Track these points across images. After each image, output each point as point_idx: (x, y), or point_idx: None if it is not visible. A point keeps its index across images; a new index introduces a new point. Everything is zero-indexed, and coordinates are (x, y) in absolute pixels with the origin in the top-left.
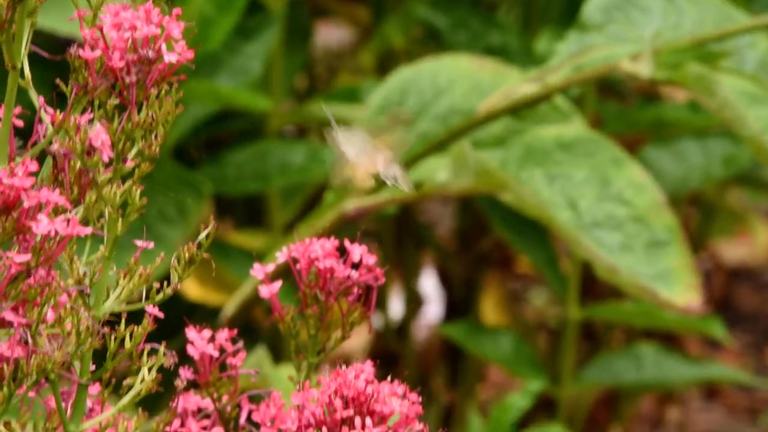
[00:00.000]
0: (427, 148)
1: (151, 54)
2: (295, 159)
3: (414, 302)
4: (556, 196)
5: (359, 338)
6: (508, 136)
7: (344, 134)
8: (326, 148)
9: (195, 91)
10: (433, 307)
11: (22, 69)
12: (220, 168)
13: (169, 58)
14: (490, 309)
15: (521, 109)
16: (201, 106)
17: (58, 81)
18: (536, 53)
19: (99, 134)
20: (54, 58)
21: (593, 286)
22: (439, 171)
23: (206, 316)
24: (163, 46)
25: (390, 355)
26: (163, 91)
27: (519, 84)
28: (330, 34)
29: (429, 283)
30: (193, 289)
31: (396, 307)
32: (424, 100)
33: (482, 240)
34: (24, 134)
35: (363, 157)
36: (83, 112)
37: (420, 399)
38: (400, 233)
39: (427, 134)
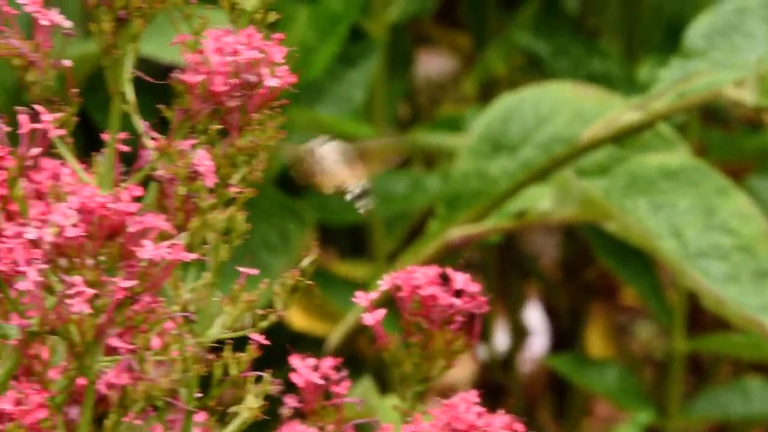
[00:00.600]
0: (530, 176)
1: (252, 78)
2: (398, 188)
3: (519, 334)
4: (660, 225)
5: (464, 370)
6: (612, 164)
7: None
8: (430, 176)
9: (297, 119)
10: (539, 339)
11: (125, 94)
12: (323, 196)
13: (271, 82)
14: (596, 341)
15: (624, 137)
16: (303, 135)
17: (161, 106)
18: (639, 80)
19: (202, 159)
20: (157, 83)
21: (700, 318)
22: (542, 200)
23: (311, 346)
24: (265, 71)
25: (495, 387)
26: (265, 117)
27: (622, 111)
28: (432, 63)
29: (534, 315)
30: (298, 319)
31: (501, 338)
32: (527, 128)
33: (587, 270)
34: (129, 160)
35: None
36: (187, 137)
37: None
38: (504, 264)
39: (530, 162)
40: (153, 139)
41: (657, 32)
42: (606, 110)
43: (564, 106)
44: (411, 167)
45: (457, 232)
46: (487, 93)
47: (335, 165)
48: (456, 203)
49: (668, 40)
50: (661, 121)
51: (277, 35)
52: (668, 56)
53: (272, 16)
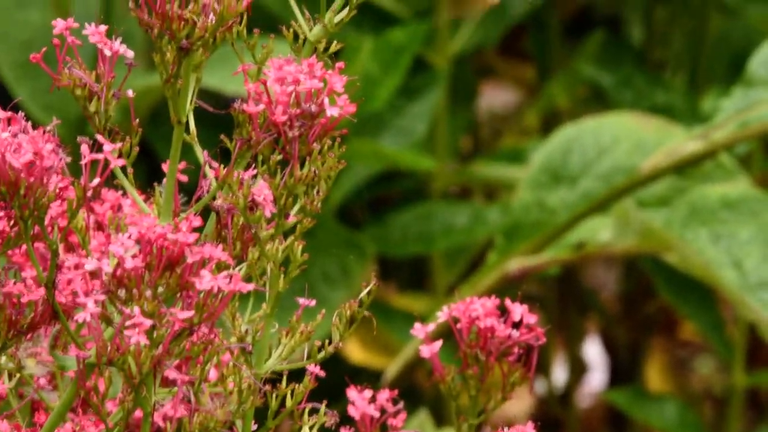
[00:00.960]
0: (590, 207)
1: (313, 108)
2: (458, 220)
3: (577, 368)
4: (721, 256)
5: (521, 403)
6: (673, 195)
7: None
8: (490, 208)
9: (359, 151)
10: (597, 374)
11: (187, 124)
12: (383, 229)
13: (332, 112)
14: (655, 375)
15: (686, 168)
16: (365, 167)
17: (222, 137)
18: (701, 112)
19: (262, 189)
20: (218, 113)
21: (760, 353)
22: (601, 231)
23: (368, 378)
24: (326, 100)
25: (553, 421)
26: (325, 147)
27: (683, 142)
28: (495, 96)
29: (593, 349)
30: (356, 352)
31: (559, 372)
32: (587, 159)
33: (647, 304)
34: (188, 190)
35: None
36: (247, 167)
37: None
38: (563, 297)
39: (590, 193)
40: (213, 169)
41: (721, 64)
42: (667, 141)
43: (625, 137)
44: (471, 199)
45: (516, 263)
46: (550, 124)
47: None
48: (515, 235)
49: (733, 72)
50: (722, 152)
51: (339, 64)
52: (731, 87)
53: (334, 47)
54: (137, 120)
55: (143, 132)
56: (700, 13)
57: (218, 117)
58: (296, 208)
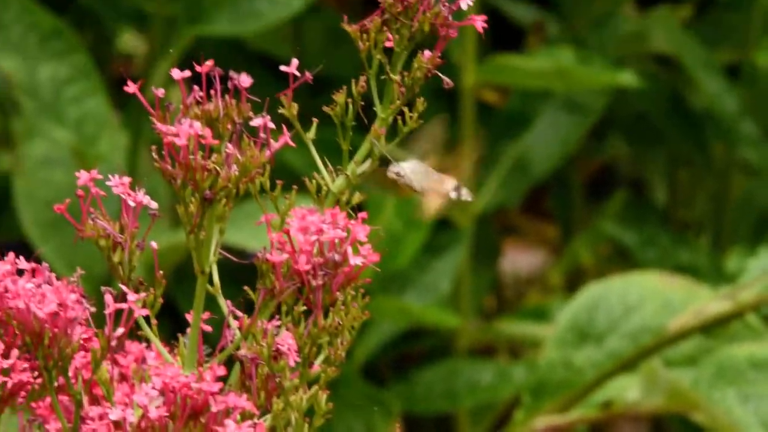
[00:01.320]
0: (617, 366)
1: (337, 257)
2: (484, 378)
3: None
4: (749, 416)
5: None
6: (700, 354)
7: (408, 166)
8: (515, 366)
9: (384, 307)
10: None
11: (210, 275)
12: (408, 386)
13: (355, 261)
14: None
15: (712, 328)
16: (390, 323)
17: (245, 288)
18: (727, 271)
19: (286, 339)
20: (242, 263)
21: None
22: (629, 390)
23: None
24: (349, 250)
25: None
26: (349, 296)
27: (710, 302)
28: (518, 257)
29: None
30: None
31: None
32: (614, 318)
33: None
34: (212, 340)
35: (431, 184)
36: (270, 317)
37: None
38: None
39: (617, 352)
40: (237, 319)
41: (746, 223)
42: (694, 300)
43: (651, 296)
44: (496, 357)
45: (543, 422)
46: (574, 283)
47: None
48: (542, 393)
49: (758, 232)
50: (749, 312)
51: (362, 214)
52: (757, 247)
53: (357, 198)
54: (161, 273)
55: (167, 289)
56: (724, 174)
57: (241, 267)
58: (321, 357)
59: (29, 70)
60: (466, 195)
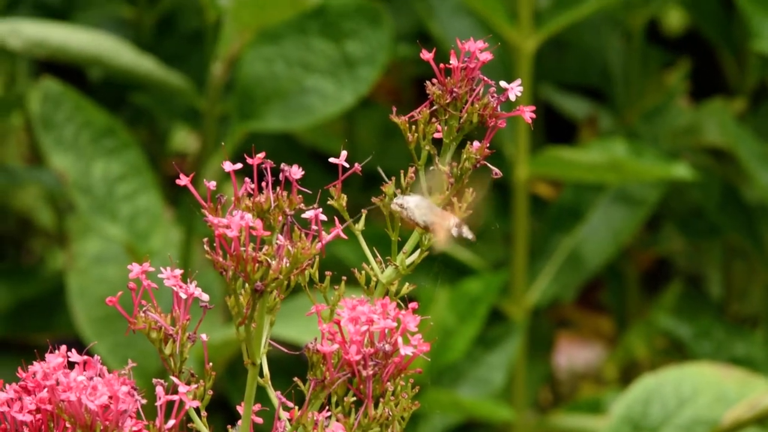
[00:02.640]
0: None
1: (387, 347)
2: None
3: None
4: None
5: None
6: None
7: (411, 200)
8: None
9: (437, 401)
10: None
11: (261, 366)
12: None
13: (406, 351)
14: None
15: None
16: (443, 417)
17: (296, 379)
18: None
19: (336, 430)
20: (292, 354)
21: None
22: None
23: None
24: (400, 340)
25: None
26: (399, 387)
27: (765, 394)
28: (573, 351)
29: None
30: None
31: None
32: (668, 410)
33: None
34: (263, 431)
35: (434, 218)
36: (321, 407)
37: None
38: None
39: None
40: (287, 410)
41: None
42: (749, 392)
43: (706, 388)
44: None
45: None
46: (628, 375)
47: None
48: None
49: None
50: None
51: (412, 305)
52: None
53: (406, 288)
54: (210, 364)
55: (221, 384)
56: None
57: (290, 360)
58: None
59: (83, 167)
60: (467, 233)
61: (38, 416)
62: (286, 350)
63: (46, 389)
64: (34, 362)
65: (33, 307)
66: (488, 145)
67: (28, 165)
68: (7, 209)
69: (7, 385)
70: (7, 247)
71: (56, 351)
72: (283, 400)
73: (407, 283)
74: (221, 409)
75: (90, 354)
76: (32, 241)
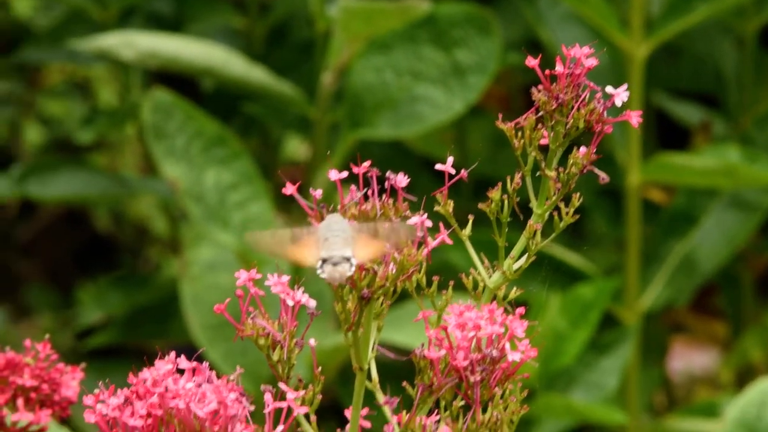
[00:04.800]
0: None
1: (495, 353)
2: None
3: None
4: None
5: None
6: None
7: (332, 218)
8: None
9: (550, 405)
10: None
11: (369, 371)
12: None
13: (513, 356)
14: None
15: None
16: (556, 422)
17: (404, 383)
18: None
19: None
20: (399, 359)
21: None
22: None
23: None
24: (507, 345)
25: None
26: (507, 391)
27: None
28: (688, 356)
29: None
30: None
31: None
32: None
33: None
34: None
35: (319, 239)
36: (429, 412)
37: None
38: None
39: None
40: (396, 414)
41: None
42: None
43: None
44: None
45: None
46: (744, 379)
47: None
48: None
49: None
50: None
51: (519, 310)
52: None
53: (514, 293)
54: (320, 369)
55: (332, 390)
56: None
57: (400, 365)
58: None
59: (195, 176)
60: (324, 272)
61: (149, 421)
62: (393, 356)
63: (156, 395)
64: (144, 369)
65: (148, 313)
66: (595, 150)
67: (142, 174)
68: (124, 218)
69: (119, 391)
70: (125, 255)
71: (167, 357)
72: (392, 404)
73: (515, 288)
74: (334, 414)
75: (202, 360)
76: (148, 249)
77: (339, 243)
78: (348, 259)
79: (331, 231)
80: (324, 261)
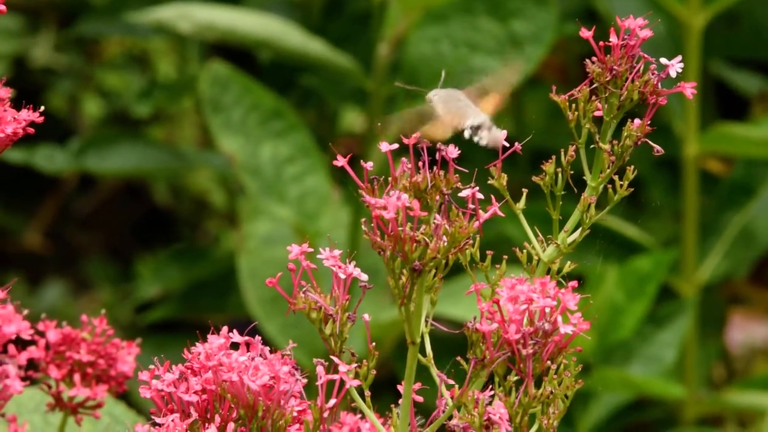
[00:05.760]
0: None
1: (547, 326)
2: None
3: None
4: None
5: None
6: None
7: (441, 93)
8: None
9: (608, 379)
10: None
11: (422, 345)
12: None
13: (565, 329)
14: None
15: None
16: (614, 395)
17: (458, 358)
18: None
19: (498, 408)
20: (453, 333)
21: None
22: None
23: None
24: (559, 318)
25: None
26: (561, 365)
27: None
28: (747, 327)
29: None
30: None
31: None
32: None
33: None
34: (426, 411)
35: (450, 113)
36: (483, 386)
37: None
38: None
39: None
40: (449, 388)
41: None
42: None
43: None
44: (725, 428)
45: None
46: None
47: None
48: None
49: None
50: None
51: (572, 283)
52: None
53: (568, 267)
54: (374, 344)
55: (390, 363)
56: None
57: (453, 339)
58: (534, 428)
59: (251, 150)
60: (484, 138)
61: (204, 397)
62: (447, 329)
63: (210, 370)
64: (197, 343)
65: (206, 287)
66: (652, 122)
67: (200, 148)
68: (183, 191)
69: (174, 367)
70: (184, 229)
71: (221, 332)
72: (445, 378)
73: (569, 262)
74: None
75: (258, 334)
76: (207, 223)
77: (472, 110)
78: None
79: (457, 102)
80: (476, 128)
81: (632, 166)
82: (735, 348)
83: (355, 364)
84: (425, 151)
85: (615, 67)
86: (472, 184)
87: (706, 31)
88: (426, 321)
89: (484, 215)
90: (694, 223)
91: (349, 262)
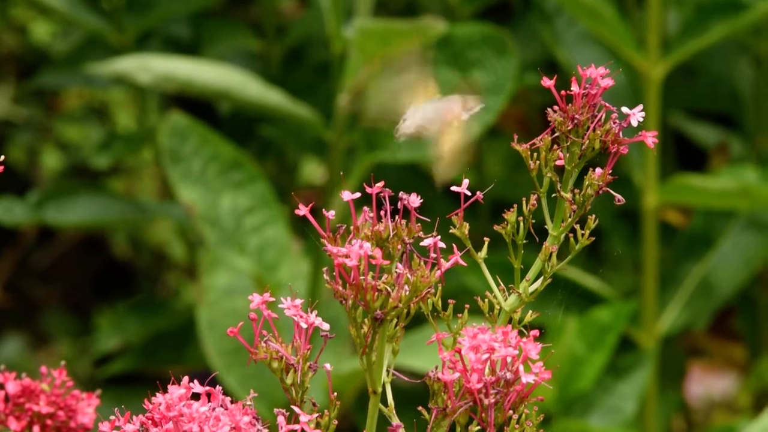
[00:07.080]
0: None
1: (509, 375)
2: None
3: None
4: None
5: None
6: None
7: (410, 113)
8: None
9: (568, 430)
10: None
11: (384, 395)
12: None
13: (527, 378)
14: None
15: None
16: None
17: (419, 408)
18: None
19: None
20: (415, 383)
21: None
22: None
23: None
24: (521, 368)
25: None
26: (523, 415)
27: None
28: (706, 378)
29: None
30: None
31: None
32: None
33: None
34: None
35: (439, 116)
36: None
37: None
38: None
39: None
40: None
41: None
42: None
43: None
44: None
45: None
46: (762, 403)
47: None
48: None
49: None
50: None
51: (533, 332)
52: None
53: (529, 316)
54: (336, 394)
55: (350, 415)
56: None
57: (414, 389)
58: None
59: (211, 201)
60: (472, 108)
61: None
62: (408, 379)
63: (171, 421)
64: (157, 394)
65: (165, 340)
66: (612, 172)
67: (160, 199)
68: (142, 244)
69: (134, 417)
70: (143, 281)
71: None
72: (403, 429)
73: (530, 311)
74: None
75: (219, 385)
76: (166, 275)
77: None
78: None
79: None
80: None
81: (594, 216)
82: (694, 400)
83: (317, 414)
84: (387, 200)
85: (576, 116)
86: (434, 234)
87: (665, 83)
88: (387, 371)
89: (445, 264)
90: (654, 274)
91: (311, 312)
